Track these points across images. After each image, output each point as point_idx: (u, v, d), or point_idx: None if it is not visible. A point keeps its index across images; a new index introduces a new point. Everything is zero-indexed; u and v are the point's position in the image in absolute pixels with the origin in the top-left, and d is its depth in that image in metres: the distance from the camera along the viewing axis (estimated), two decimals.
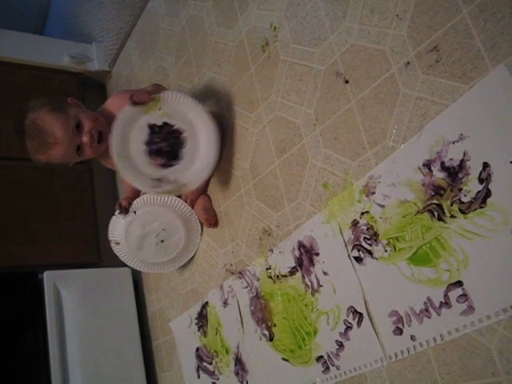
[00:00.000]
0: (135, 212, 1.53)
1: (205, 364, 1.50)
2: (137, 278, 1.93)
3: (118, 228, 1.56)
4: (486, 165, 0.80)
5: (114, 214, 1.56)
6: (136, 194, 1.57)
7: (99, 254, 1.98)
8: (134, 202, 1.54)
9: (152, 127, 1.34)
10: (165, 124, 1.35)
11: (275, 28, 1.27)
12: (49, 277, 1.72)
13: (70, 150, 1.36)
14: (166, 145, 1.36)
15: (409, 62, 0.93)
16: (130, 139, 1.34)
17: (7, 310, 1.68)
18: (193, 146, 1.38)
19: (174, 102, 1.35)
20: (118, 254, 1.59)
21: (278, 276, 1.21)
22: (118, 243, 1.57)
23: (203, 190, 1.53)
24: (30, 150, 1.35)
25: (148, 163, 1.35)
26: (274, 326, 1.22)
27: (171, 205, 1.54)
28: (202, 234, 1.56)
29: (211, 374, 1.47)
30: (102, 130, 1.38)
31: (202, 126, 1.37)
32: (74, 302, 1.74)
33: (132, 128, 1.33)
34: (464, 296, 0.82)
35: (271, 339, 1.23)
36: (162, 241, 1.57)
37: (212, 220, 1.47)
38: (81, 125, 1.35)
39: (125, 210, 1.53)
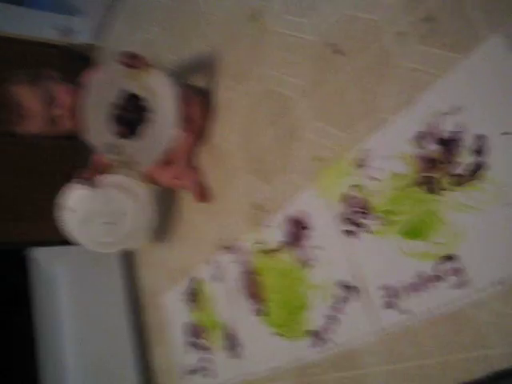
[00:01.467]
0: (97, 188, 1.48)
1: (195, 339, 1.50)
2: (126, 254, 1.91)
3: (77, 198, 1.49)
4: (479, 137, 0.79)
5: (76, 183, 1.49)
6: (99, 170, 1.51)
7: None
8: (101, 177, 1.48)
9: (124, 93, 1.31)
10: (136, 96, 1.32)
11: None
12: (36, 254, 1.70)
13: (44, 122, 1.34)
14: (129, 116, 1.32)
15: (402, 32, 0.91)
16: (102, 95, 1.29)
17: None
18: (151, 129, 1.34)
19: (158, 82, 1.31)
20: (64, 222, 1.51)
21: (268, 250, 1.20)
22: (72, 210, 1.49)
23: (189, 163, 1.50)
24: (5, 122, 1.33)
25: (106, 125, 1.31)
26: (265, 300, 1.21)
27: (135, 191, 1.54)
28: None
29: (202, 348, 1.47)
30: (74, 101, 1.33)
31: (168, 117, 1.33)
32: (63, 279, 1.73)
33: (108, 84, 1.29)
34: (457, 269, 0.81)
35: (262, 314, 1.22)
36: (110, 223, 1.54)
37: (202, 194, 1.45)
38: (55, 97, 1.32)
39: (89, 183, 1.47)
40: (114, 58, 1.27)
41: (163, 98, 1.32)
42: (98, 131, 1.28)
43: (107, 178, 1.49)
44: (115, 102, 1.30)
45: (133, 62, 1.27)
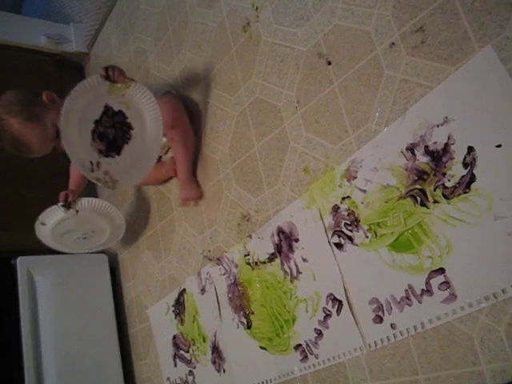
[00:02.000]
0: (77, 211, 1.56)
1: (182, 352, 1.47)
2: (113, 264, 1.89)
3: (53, 216, 1.56)
4: (470, 149, 0.78)
5: (57, 204, 1.55)
6: (80, 187, 1.60)
7: None
8: (81, 200, 1.56)
9: (107, 109, 1.25)
10: (120, 112, 1.27)
11: (257, 8, 1.23)
12: (22, 262, 1.67)
13: (45, 152, 1.38)
14: (113, 133, 1.27)
15: (393, 43, 0.90)
16: (84, 110, 1.23)
17: None
18: (136, 148, 1.30)
19: (140, 97, 1.27)
20: (36, 230, 1.59)
21: (256, 262, 1.18)
22: (43, 224, 1.57)
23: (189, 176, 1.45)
24: (3, 148, 1.33)
25: (89, 143, 1.25)
26: (252, 313, 1.19)
27: (111, 215, 1.64)
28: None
29: (188, 362, 1.44)
30: None
31: (153, 134, 1.30)
32: (49, 289, 1.69)
33: (89, 100, 1.23)
34: (446, 283, 0.80)
35: (249, 327, 1.20)
36: (85, 238, 1.68)
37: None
38: (59, 131, 1.29)
39: (68, 206, 1.54)
40: (97, 72, 1.24)
41: (145, 115, 1.29)
42: (78, 148, 1.23)
43: (84, 201, 1.57)
44: (97, 117, 1.25)
45: (114, 75, 1.23)
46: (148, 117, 1.29)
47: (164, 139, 1.43)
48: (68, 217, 1.56)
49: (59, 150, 1.38)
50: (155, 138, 1.30)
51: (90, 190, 1.88)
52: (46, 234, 1.60)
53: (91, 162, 1.25)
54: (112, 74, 1.22)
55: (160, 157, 1.52)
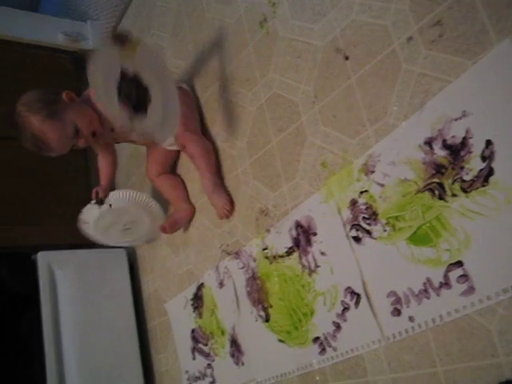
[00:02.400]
0: (111, 205, 1.58)
1: (200, 345, 1.49)
2: (132, 259, 1.91)
3: (92, 213, 1.59)
4: (488, 142, 0.78)
5: (90, 202, 1.59)
6: (110, 182, 1.63)
7: None
8: (111, 194, 1.57)
9: (124, 74, 1.26)
10: (135, 76, 1.27)
11: (274, 4, 1.24)
12: (43, 257, 1.70)
13: (64, 151, 1.41)
14: (135, 95, 1.28)
15: (411, 37, 0.90)
16: (105, 76, 1.24)
17: (1, 291, 1.67)
18: (159, 106, 1.31)
19: (149, 59, 1.29)
20: (83, 230, 1.64)
21: (274, 256, 1.19)
22: (86, 222, 1.61)
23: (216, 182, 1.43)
24: (23, 145, 1.37)
25: (118, 105, 1.27)
26: (271, 307, 1.20)
27: (143, 203, 1.62)
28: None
29: (206, 355, 1.46)
30: (95, 129, 1.41)
31: (169, 92, 1.31)
32: (69, 283, 1.72)
33: (107, 66, 1.24)
34: (464, 276, 0.80)
35: (267, 320, 1.21)
36: (128, 229, 1.68)
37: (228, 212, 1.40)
38: (78, 130, 1.37)
39: (100, 202, 1.57)
40: (107, 40, 1.27)
41: (158, 75, 1.30)
42: (114, 107, 1.27)
43: (115, 194, 1.59)
44: (117, 82, 1.26)
45: (122, 39, 1.23)
46: (161, 76, 1.30)
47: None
48: (104, 212, 1.58)
49: (77, 148, 1.43)
50: (172, 94, 1.31)
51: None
52: (91, 231, 1.63)
53: (130, 119, 1.29)
54: (121, 39, 1.23)
55: None
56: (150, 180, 1.67)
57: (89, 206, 1.59)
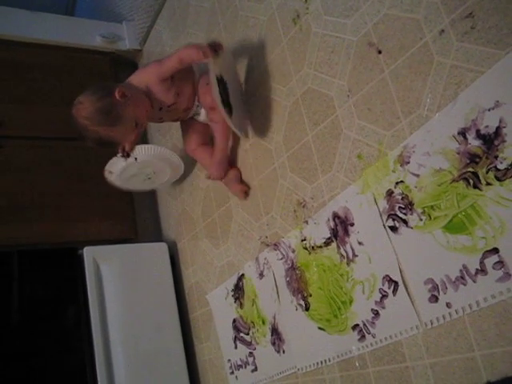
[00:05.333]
0: (136, 159, 1.73)
1: (242, 335, 1.54)
2: (173, 252, 1.97)
3: (118, 164, 1.76)
4: None
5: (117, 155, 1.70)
6: (135, 139, 1.65)
7: (135, 230, 2.03)
8: (137, 148, 1.67)
9: (219, 79, 1.39)
10: (222, 77, 1.41)
11: (306, 0, 1.27)
12: (88, 252, 1.77)
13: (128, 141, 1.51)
14: (226, 95, 1.42)
15: (443, 30, 0.92)
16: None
17: (50, 284, 1.75)
18: (235, 100, 1.46)
19: (226, 59, 1.46)
20: (107, 179, 1.81)
21: (313, 247, 1.23)
22: (111, 172, 1.78)
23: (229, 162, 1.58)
24: (91, 146, 1.45)
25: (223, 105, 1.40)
26: (310, 296, 1.24)
27: (166, 156, 1.79)
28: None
29: (248, 344, 1.50)
30: (148, 113, 1.49)
31: (238, 86, 1.52)
32: (113, 276, 1.79)
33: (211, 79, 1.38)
34: (500, 263, 0.82)
35: (307, 309, 1.25)
36: (149, 178, 1.88)
37: (243, 192, 1.52)
38: (138, 121, 1.45)
39: (127, 155, 1.63)
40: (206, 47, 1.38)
41: (230, 71, 1.47)
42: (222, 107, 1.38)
43: (140, 148, 1.73)
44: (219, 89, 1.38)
45: (218, 46, 1.40)
46: (233, 71, 1.50)
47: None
48: (129, 164, 1.74)
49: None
50: (240, 88, 1.51)
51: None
52: (115, 180, 1.81)
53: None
54: (218, 47, 1.40)
55: None
56: (189, 153, 1.71)
57: (115, 158, 1.73)
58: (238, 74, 1.55)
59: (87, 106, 1.38)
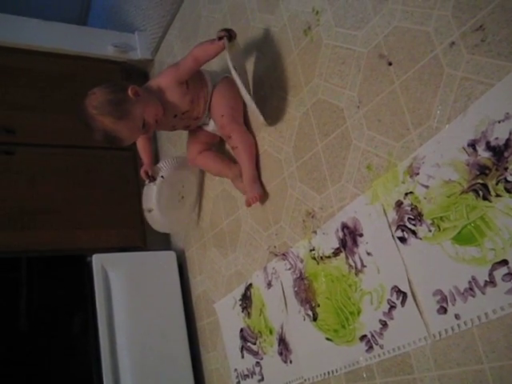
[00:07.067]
0: (162, 176, 1.71)
1: (249, 344, 1.53)
2: (181, 261, 1.98)
3: (151, 194, 1.71)
4: None
5: (144, 184, 1.73)
6: (152, 159, 1.74)
7: (144, 238, 2.04)
8: (157, 167, 1.71)
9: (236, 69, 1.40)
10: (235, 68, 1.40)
11: (317, 12, 1.28)
12: (97, 260, 1.78)
13: (133, 141, 1.53)
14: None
15: (453, 42, 0.93)
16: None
17: (59, 291, 1.76)
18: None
19: (238, 51, 1.50)
20: (150, 221, 1.78)
21: (321, 257, 1.23)
22: (150, 210, 1.73)
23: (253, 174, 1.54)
24: (96, 139, 1.44)
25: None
26: (318, 306, 1.24)
27: (185, 164, 1.77)
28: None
29: (255, 353, 1.50)
30: (158, 117, 1.50)
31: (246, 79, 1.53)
32: (122, 284, 1.79)
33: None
34: (509, 275, 0.82)
35: (315, 319, 1.25)
36: (183, 197, 1.82)
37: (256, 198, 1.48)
38: (146, 122, 1.45)
39: (153, 178, 1.70)
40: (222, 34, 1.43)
41: (241, 65, 1.48)
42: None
43: (161, 164, 1.74)
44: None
45: (233, 33, 1.44)
46: (243, 66, 1.52)
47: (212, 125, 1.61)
48: (160, 186, 1.71)
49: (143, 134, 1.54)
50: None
51: None
52: (158, 217, 1.75)
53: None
54: (230, 34, 1.43)
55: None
56: (191, 163, 1.72)
57: (145, 189, 1.73)
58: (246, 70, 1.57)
59: (98, 96, 1.41)
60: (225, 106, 1.53)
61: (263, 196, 1.47)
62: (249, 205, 1.47)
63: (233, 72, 1.36)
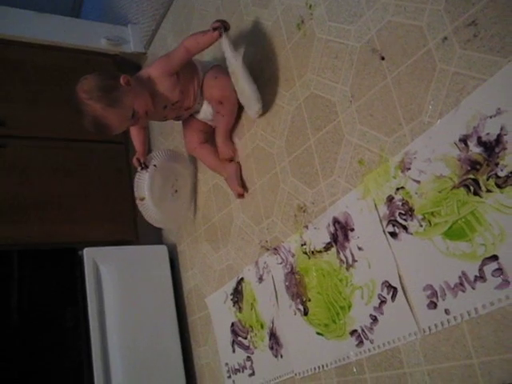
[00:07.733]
0: (155, 165, 1.71)
1: (240, 338, 1.53)
2: (173, 255, 1.97)
3: (143, 182, 1.70)
4: None
5: (136, 171, 1.72)
6: (145, 148, 1.75)
7: (136, 232, 2.03)
8: (151, 156, 1.72)
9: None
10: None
11: (310, 6, 1.27)
12: (88, 253, 1.78)
13: (122, 130, 1.53)
14: None
15: (446, 38, 0.92)
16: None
17: (50, 285, 1.75)
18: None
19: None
20: (142, 211, 1.75)
21: (312, 252, 1.23)
22: (142, 199, 1.72)
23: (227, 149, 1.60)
24: (85, 126, 1.45)
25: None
26: (309, 300, 1.24)
27: (176, 155, 1.81)
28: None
29: (246, 348, 1.50)
30: (148, 109, 1.50)
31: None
32: (113, 278, 1.79)
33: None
34: (499, 270, 0.82)
35: (306, 314, 1.25)
36: (176, 191, 1.82)
37: (239, 189, 1.53)
38: (135, 111, 1.45)
39: (145, 166, 1.70)
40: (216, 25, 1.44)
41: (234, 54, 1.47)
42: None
43: (154, 154, 1.75)
44: None
45: (225, 24, 1.45)
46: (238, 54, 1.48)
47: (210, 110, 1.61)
48: (152, 174, 1.70)
49: (132, 125, 1.58)
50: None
51: None
52: (150, 208, 1.73)
53: None
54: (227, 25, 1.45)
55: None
56: (190, 152, 1.74)
57: (136, 177, 1.72)
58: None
59: (90, 81, 1.42)
60: (220, 85, 1.54)
61: (235, 153, 1.59)
62: (223, 159, 1.60)
63: (235, 57, 1.40)
